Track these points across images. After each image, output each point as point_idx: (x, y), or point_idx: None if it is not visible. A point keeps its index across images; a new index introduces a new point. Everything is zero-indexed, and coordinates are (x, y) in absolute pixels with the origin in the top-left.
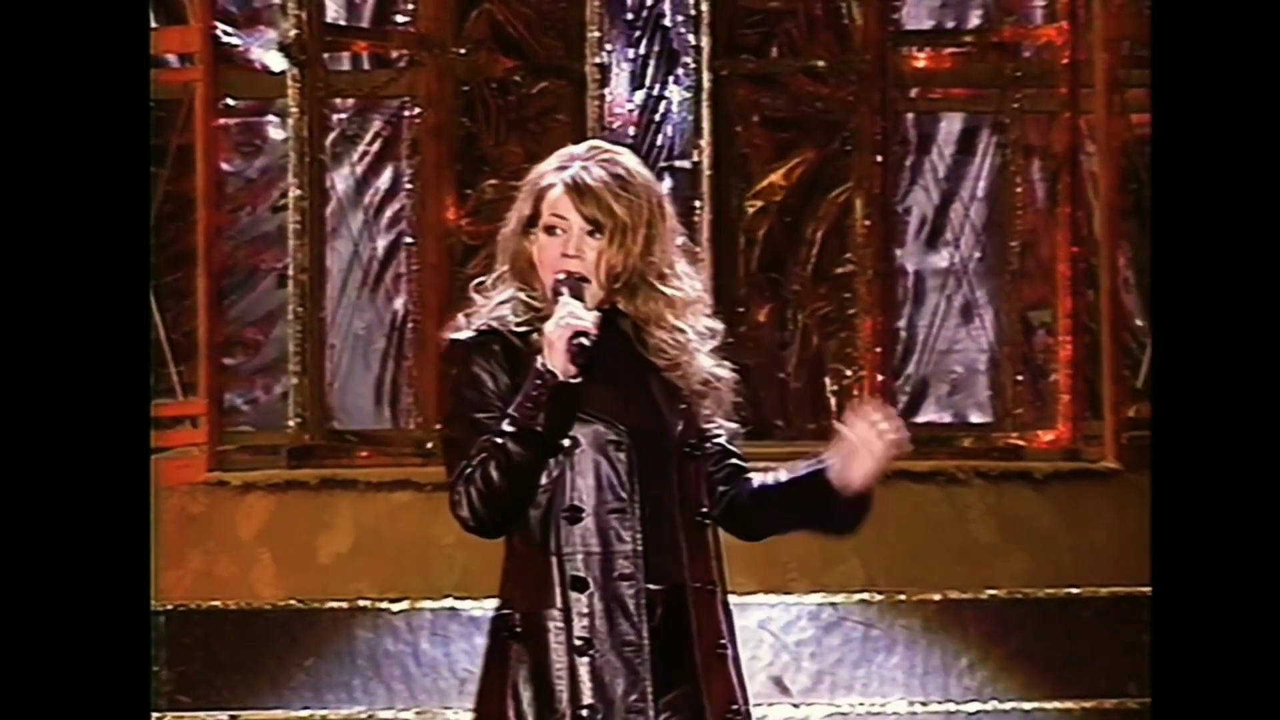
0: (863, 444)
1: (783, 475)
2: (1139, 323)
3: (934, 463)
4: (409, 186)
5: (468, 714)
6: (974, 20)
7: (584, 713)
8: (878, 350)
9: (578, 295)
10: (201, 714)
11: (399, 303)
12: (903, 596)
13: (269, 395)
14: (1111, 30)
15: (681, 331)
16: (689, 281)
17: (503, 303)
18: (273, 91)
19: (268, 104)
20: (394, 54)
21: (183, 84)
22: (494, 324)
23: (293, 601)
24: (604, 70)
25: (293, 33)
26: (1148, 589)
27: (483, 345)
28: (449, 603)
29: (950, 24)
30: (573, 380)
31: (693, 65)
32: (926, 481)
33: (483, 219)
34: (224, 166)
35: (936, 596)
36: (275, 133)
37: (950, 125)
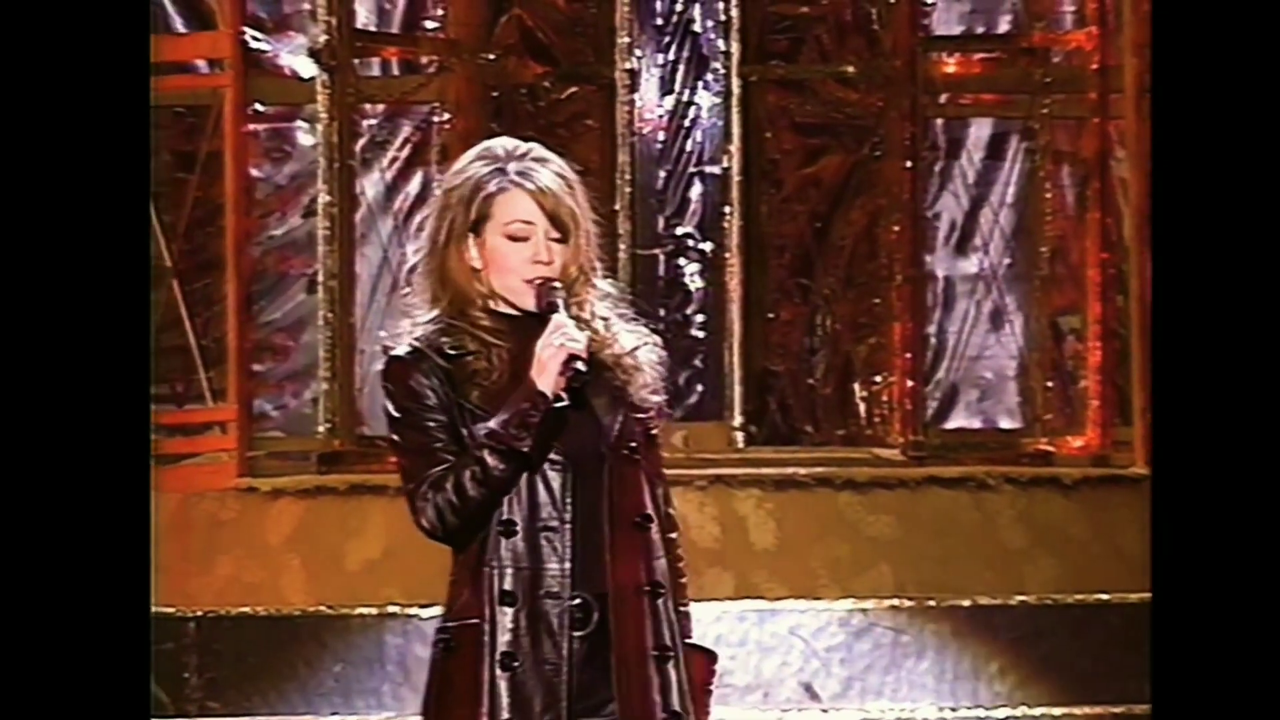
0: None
1: None
2: None
3: (963, 468)
4: None
5: None
6: (1003, 25)
7: None
8: (907, 356)
9: (559, 306)
10: None
11: None
12: (932, 602)
13: (298, 401)
14: (1141, 35)
15: (606, 319)
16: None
17: (429, 323)
18: (302, 97)
19: (297, 110)
20: (424, 60)
21: (212, 90)
22: (425, 346)
23: (322, 608)
24: (634, 76)
25: (322, 38)
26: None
27: (420, 362)
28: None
29: (980, 29)
30: (561, 404)
31: (722, 71)
32: (956, 487)
33: None
34: (253, 172)
35: (966, 602)
36: (305, 138)
37: (980, 131)
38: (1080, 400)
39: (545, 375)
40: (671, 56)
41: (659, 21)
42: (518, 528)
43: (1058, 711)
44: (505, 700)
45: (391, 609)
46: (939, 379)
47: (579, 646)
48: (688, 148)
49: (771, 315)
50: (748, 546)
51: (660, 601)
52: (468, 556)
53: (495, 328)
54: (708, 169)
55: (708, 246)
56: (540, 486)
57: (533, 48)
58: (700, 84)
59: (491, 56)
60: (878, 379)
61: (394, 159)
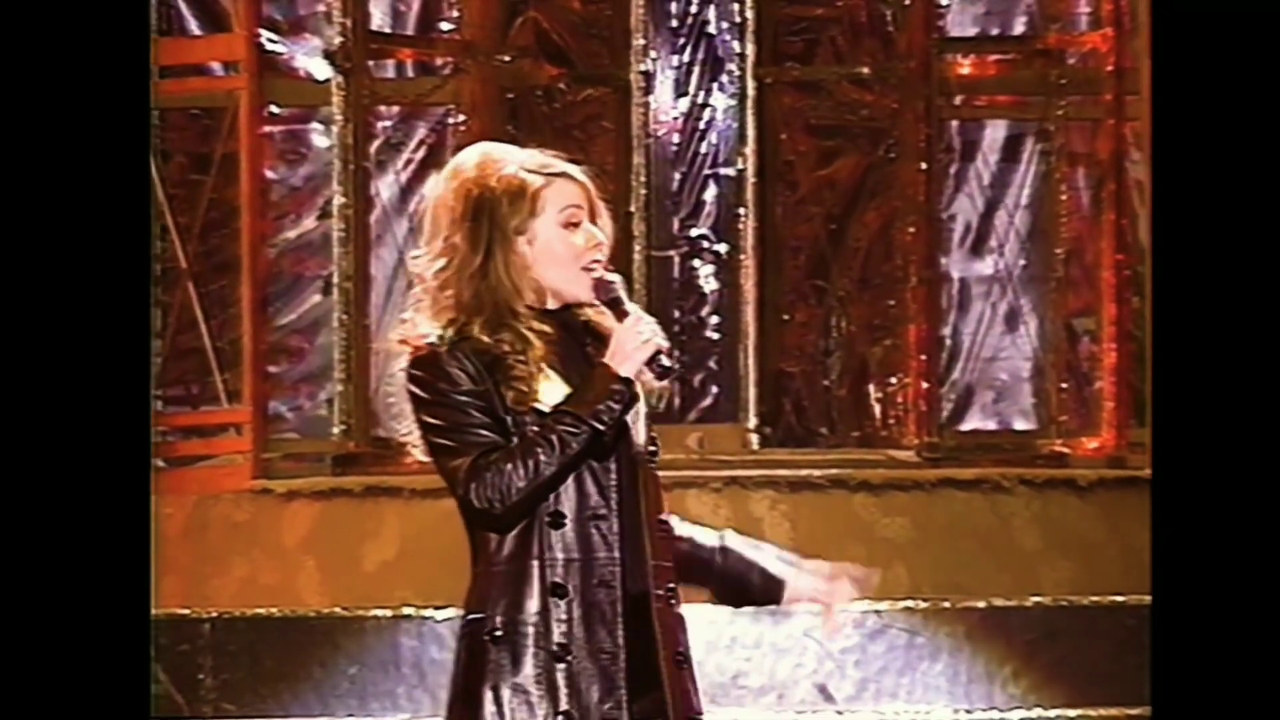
0: (832, 596)
1: (754, 554)
2: None
3: (978, 470)
4: None
5: None
6: (1019, 27)
7: (560, 719)
8: (922, 357)
9: (622, 299)
10: None
11: None
12: (947, 604)
13: (313, 403)
14: (1151, 36)
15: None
16: None
17: (460, 324)
18: (317, 99)
19: (312, 112)
20: (439, 61)
21: (227, 92)
22: (457, 339)
23: (337, 609)
24: (648, 78)
25: (338, 40)
26: None
27: (453, 349)
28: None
29: (995, 31)
30: (636, 394)
31: (737, 72)
32: (971, 489)
33: None
34: (268, 174)
35: (981, 604)
36: (320, 140)
37: (995, 132)
38: (1095, 402)
39: (629, 364)
40: (686, 58)
41: (674, 23)
42: (566, 520)
43: (1072, 713)
44: (564, 691)
45: (406, 611)
46: (954, 380)
47: (630, 638)
48: (703, 149)
49: (786, 317)
50: None
51: (676, 607)
52: (508, 550)
53: (540, 328)
54: (723, 171)
55: (723, 248)
56: (588, 477)
57: (548, 50)
58: (715, 86)
59: (506, 58)
60: (893, 380)
61: (409, 161)
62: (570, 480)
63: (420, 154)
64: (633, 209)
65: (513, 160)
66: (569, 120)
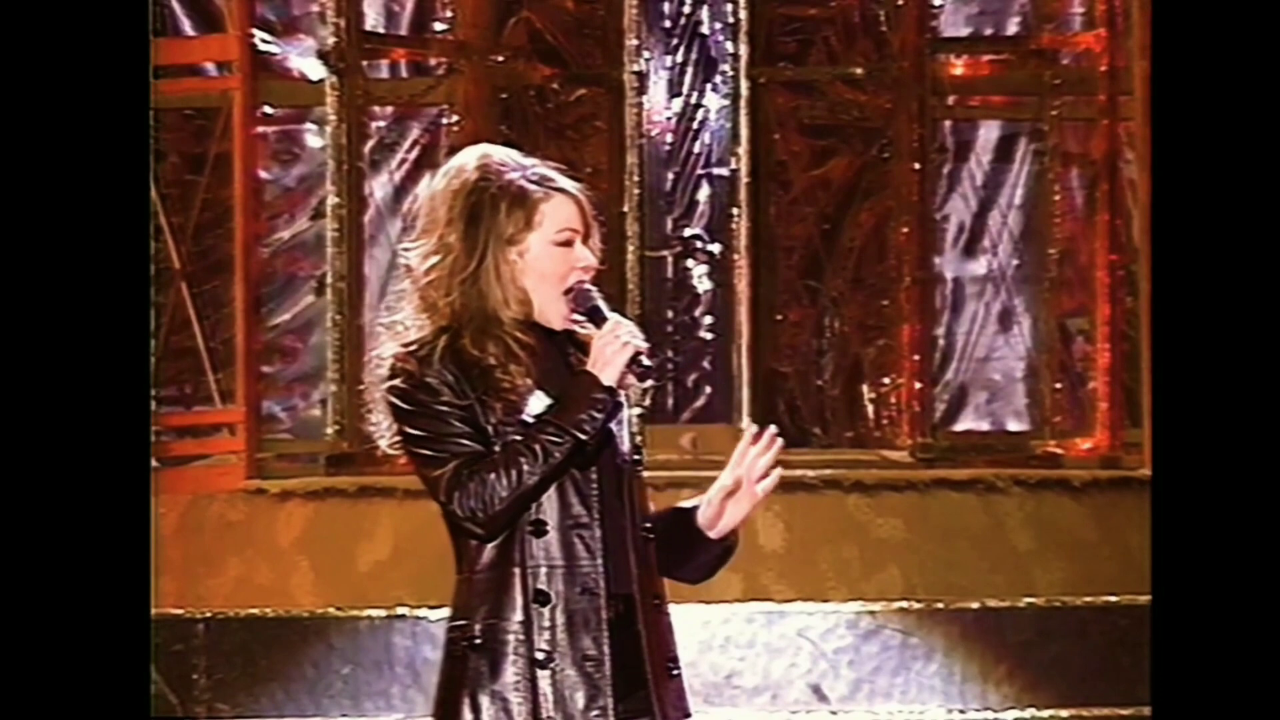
0: (746, 483)
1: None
2: None
3: (972, 471)
4: None
5: None
6: (1012, 27)
7: None
8: (916, 358)
9: (601, 309)
10: None
11: None
12: (941, 605)
13: (307, 403)
14: (1149, 37)
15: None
16: None
17: (440, 332)
18: (311, 99)
19: (306, 112)
20: (432, 62)
21: (221, 92)
22: (437, 348)
23: (331, 609)
24: (642, 78)
25: (331, 41)
26: None
27: (430, 359)
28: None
29: (988, 31)
30: (619, 401)
31: (731, 72)
32: (965, 490)
33: None
34: (262, 174)
35: (975, 605)
36: (313, 141)
37: (988, 132)
38: (1089, 402)
39: (610, 370)
40: (680, 58)
41: (667, 24)
42: (548, 527)
43: (1065, 714)
44: (548, 698)
45: (400, 611)
46: (947, 381)
47: (617, 643)
48: (696, 149)
49: (780, 317)
50: (756, 549)
51: (665, 613)
52: (490, 558)
53: (525, 340)
54: (716, 171)
55: (716, 248)
56: (569, 485)
57: (541, 50)
58: (709, 86)
59: (500, 58)
60: (886, 381)
61: (403, 161)
62: (553, 488)
63: (414, 154)
64: (626, 209)
65: (515, 167)
66: (563, 120)
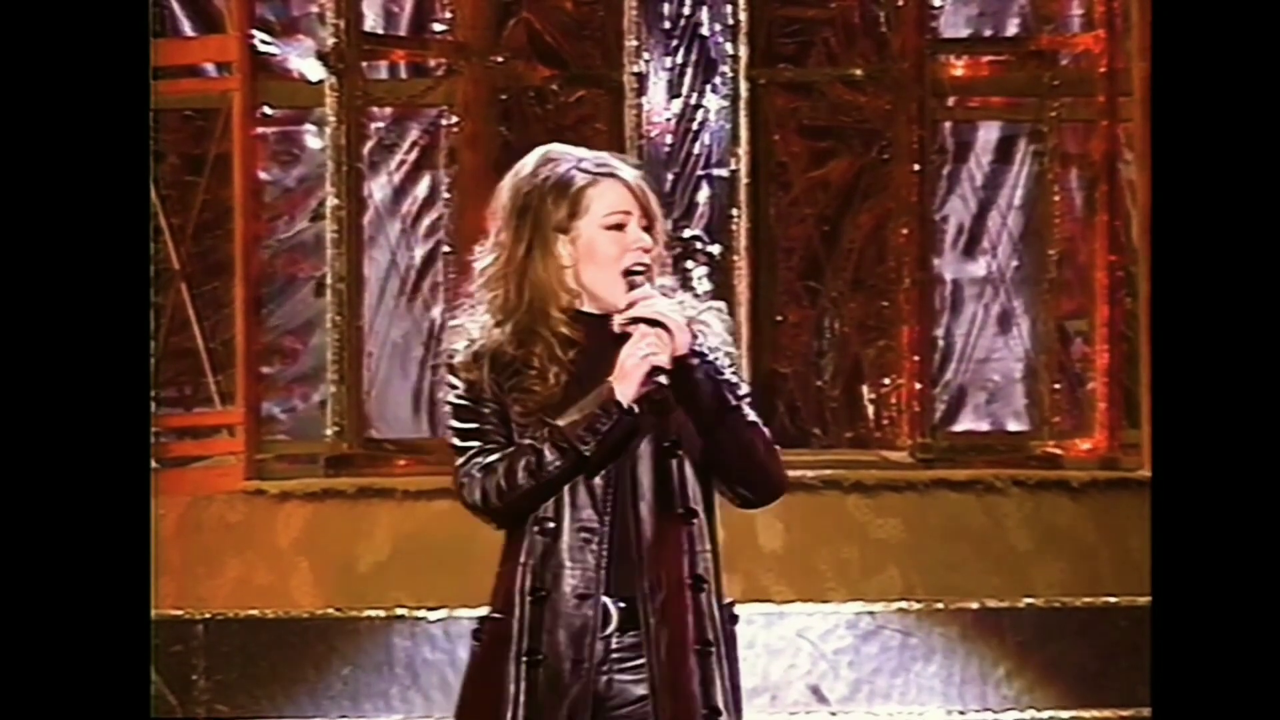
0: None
1: None
2: None
3: (971, 471)
4: (446, 195)
5: None
6: (1012, 28)
7: None
8: (915, 359)
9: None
10: None
11: (436, 311)
12: (940, 605)
13: (307, 404)
14: (1149, 38)
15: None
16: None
17: (497, 328)
18: (311, 100)
19: (306, 113)
20: (432, 63)
21: (221, 93)
22: (489, 349)
23: (331, 610)
24: (641, 79)
25: (331, 41)
26: None
27: (480, 360)
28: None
29: (988, 32)
30: (635, 413)
31: (730, 74)
32: (964, 490)
33: None
34: (262, 175)
35: (974, 605)
36: (313, 141)
37: (988, 134)
38: (1088, 403)
39: (626, 384)
40: (679, 59)
41: (666, 25)
42: (553, 526)
43: (1065, 714)
44: (527, 697)
45: (400, 612)
46: (947, 381)
47: (610, 648)
48: (695, 150)
49: (779, 318)
50: (756, 549)
51: (703, 596)
52: (505, 552)
53: (571, 335)
54: (715, 172)
55: (716, 249)
56: (582, 488)
57: (541, 51)
58: (708, 87)
59: (499, 59)
60: (886, 381)
61: (402, 162)
62: (565, 491)
63: (413, 155)
64: None
65: (569, 160)
66: (562, 121)
